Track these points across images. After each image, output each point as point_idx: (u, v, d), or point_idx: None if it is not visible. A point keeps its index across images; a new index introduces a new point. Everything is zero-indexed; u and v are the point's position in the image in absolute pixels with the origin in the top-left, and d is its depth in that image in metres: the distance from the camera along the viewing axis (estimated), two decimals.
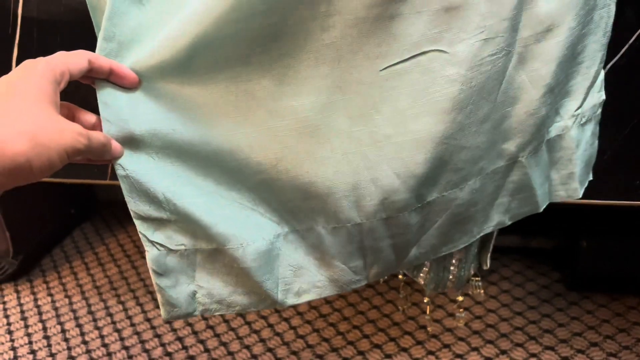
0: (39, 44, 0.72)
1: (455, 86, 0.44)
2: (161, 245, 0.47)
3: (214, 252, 0.48)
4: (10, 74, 0.37)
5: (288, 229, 0.50)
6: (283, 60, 0.43)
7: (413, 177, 0.46)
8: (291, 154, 0.46)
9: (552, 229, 1.05)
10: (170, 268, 0.48)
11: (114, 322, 1.04)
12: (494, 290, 1.03)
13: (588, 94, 0.50)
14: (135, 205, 0.45)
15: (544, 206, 0.53)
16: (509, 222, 0.52)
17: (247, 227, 0.48)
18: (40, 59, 0.38)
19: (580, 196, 0.53)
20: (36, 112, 0.35)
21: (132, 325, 1.03)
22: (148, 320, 1.04)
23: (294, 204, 0.49)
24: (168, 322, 1.02)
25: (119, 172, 0.43)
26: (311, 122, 0.45)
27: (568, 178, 0.52)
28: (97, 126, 0.43)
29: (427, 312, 0.78)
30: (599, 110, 0.52)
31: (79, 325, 1.04)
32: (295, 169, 0.47)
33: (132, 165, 0.43)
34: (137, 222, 0.46)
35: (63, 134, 0.35)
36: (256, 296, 0.50)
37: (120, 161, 0.43)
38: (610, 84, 0.54)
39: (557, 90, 0.47)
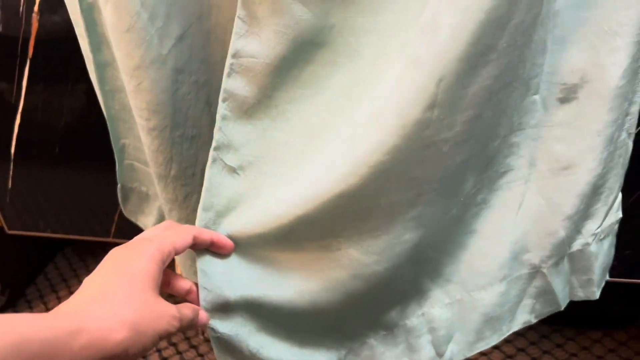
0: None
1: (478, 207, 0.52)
2: None
3: None
4: (123, 248, 0.40)
5: (345, 351, 0.54)
6: (371, 233, 0.46)
7: (444, 280, 0.54)
8: (362, 299, 0.50)
9: None
10: None
11: None
12: None
13: (607, 215, 0.55)
14: None
15: (565, 305, 0.59)
16: (535, 321, 0.58)
17: None
18: (153, 240, 0.41)
19: (598, 297, 0.59)
20: (139, 299, 0.37)
21: None
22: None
23: (350, 325, 0.53)
24: None
25: (212, 333, 0.47)
26: (387, 278, 0.49)
27: (587, 283, 0.58)
28: (191, 292, 0.45)
29: None
30: (616, 226, 0.58)
31: None
32: (361, 305, 0.51)
33: (224, 329, 0.47)
34: None
35: (160, 319, 0.37)
36: None
37: (214, 325, 0.46)
38: None
39: (577, 217, 0.52)
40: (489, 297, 0.53)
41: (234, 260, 0.47)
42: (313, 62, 0.44)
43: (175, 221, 0.58)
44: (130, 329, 0.35)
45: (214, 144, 0.45)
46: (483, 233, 0.52)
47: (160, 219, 0.71)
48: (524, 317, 0.57)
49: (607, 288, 0.62)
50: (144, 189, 0.70)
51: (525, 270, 0.54)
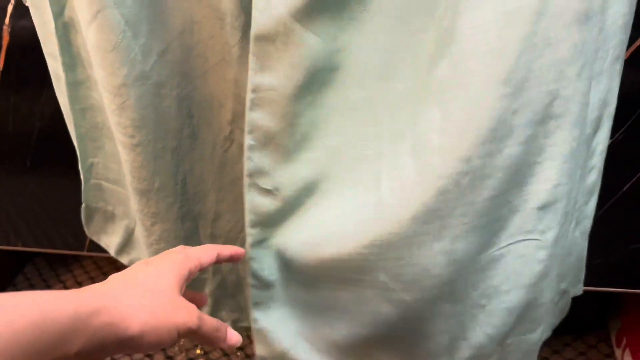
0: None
1: (542, 264, 0.49)
2: None
3: None
4: (152, 258, 0.44)
5: None
6: (396, 262, 0.47)
7: (501, 334, 0.53)
8: (396, 332, 0.52)
9: None
10: None
11: None
12: None
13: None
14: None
15: None
16: (550, 333, 0.60)
17: None
18: (181, 253, 0.44)
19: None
20: (162, 293, 0.39)
21: None
22: None
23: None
24: None
25: (254, 325, 0.52)
26: (419, 311, 0.50)
27: (577, 282, 0.61)
28: (203, 301, 0.48)
29: None
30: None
31: None
32: (396, 343, 0.52)
33: (267, 322, 0.52)
34: None
35: (178, 312, 0.39)
36: None
37: (258, 317, 0.52)
38: None
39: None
40: (536, 336, 0.54)
41: (276, 264, 0.52)
42: (326, 84, 0.46)
43: (159, 233, 0.58)
44: (149, 315, 0.36)
45: (245, 171, 0.48)
46: (538, 286, 0.50)
47: (128, 237, 0.71)
48: (546, 335, 0.58)
49: (578, 296, 0.65)
50: (109, 208, 0.70)
51: (558, 297, 0.56)
